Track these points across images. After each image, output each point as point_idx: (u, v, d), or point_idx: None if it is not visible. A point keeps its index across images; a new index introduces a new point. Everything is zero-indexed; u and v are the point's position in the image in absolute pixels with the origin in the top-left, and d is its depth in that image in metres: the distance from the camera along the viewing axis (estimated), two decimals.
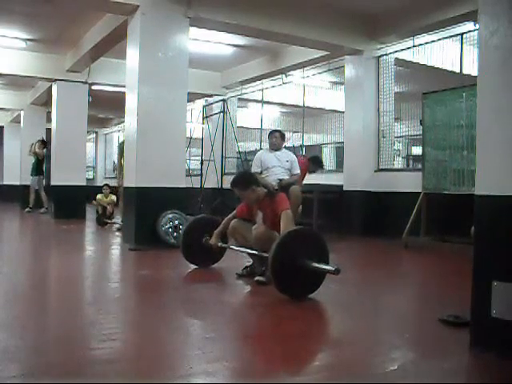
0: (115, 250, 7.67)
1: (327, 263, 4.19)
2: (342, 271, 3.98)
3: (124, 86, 8.06)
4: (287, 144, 9.63)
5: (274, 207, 4.81)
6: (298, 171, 7.85)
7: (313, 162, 8.96)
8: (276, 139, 7.78)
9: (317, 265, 4.10)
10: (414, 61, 9.64)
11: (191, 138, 13.28)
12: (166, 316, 3.78)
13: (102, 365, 2.70)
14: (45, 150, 14.20)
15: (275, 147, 7.78)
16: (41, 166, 14.30)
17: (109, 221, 10.19)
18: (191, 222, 5.79)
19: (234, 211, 5.28)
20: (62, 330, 3.33)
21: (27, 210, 14.36)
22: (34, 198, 14.42)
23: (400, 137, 12.54)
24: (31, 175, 14.38)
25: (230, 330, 3.53)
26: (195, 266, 5.65)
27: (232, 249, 5.27)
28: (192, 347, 3.13)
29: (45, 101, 15.00)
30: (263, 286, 4.64)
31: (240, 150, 13.26)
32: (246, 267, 5.17)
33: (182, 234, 5.75)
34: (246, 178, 5.10)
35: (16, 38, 10.57)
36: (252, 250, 4.97)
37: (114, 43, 9.33)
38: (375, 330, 3.57)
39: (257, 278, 4.79)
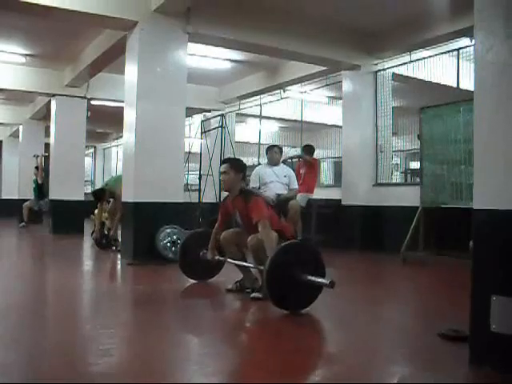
0: (113, 265, 7.65)
1: (323, 276, 4.18)
2: (340, 286, 3.98)
3: (123, 101, 8.09)
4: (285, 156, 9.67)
5: (248, 212, 4.77)
6: (296, 186, 7.87)
7: (309, 150, 9.22)
8: (275, 154, 7.81)
9: (312, 278, 4.10)
10: (412, 76, 9.69)
11: (189, 152, 13.27)
12: (164, 331, 3.76)
13: (99, 380, 2.68)
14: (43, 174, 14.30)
15: (274, 162, 7.80)
16: (42, 188, 14.33)
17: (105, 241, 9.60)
18: (188, 237, 5.79)
19: (218, 219, 5.27)
20: (59, 345, 3.31)
21: (22, 224, 14.36)
22: (27, 213, 14.45)
23: (398, 151, 12.57)
24: (35, 198, 14.57)
25: (227, 346, 3.51)
26: (193, 281, 5.64)
27: (229, 262, 5.26)
28: (190, 362, 3.11)
29: (44, 115, 15.05)
30: (259, 302, 4.62)
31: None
32: (236, 282, 5.14)
33: (180, 249, 5.75)
34: (241, 164, 5.14)
35: (15, 53, 10.65)
36: (248, 263, 5.00)
37: (112, 58, 9.38)
38: (374, 345, 3.56)
39: (253, 294, 4.76)
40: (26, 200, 15.26)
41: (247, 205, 4.81)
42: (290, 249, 4.32)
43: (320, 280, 4.09)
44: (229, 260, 5.24)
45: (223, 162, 5.20)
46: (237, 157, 13.11)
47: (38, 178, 14.37)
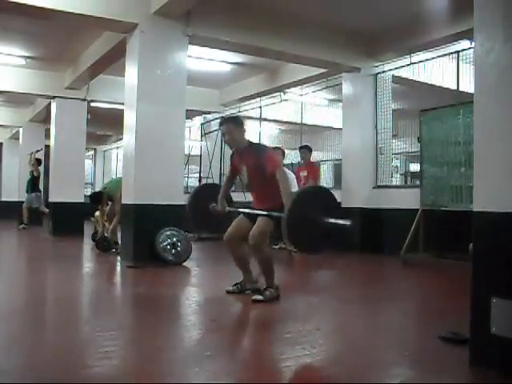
0: (113, 268, 7.65)
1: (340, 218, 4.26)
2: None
3: (123, 104, 8.09)
4: (286, 161, 9.67)
5: (262, 162, 4.71)
6: (297, 189, 7.86)
7: (309, 151, 9.29)
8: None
9: (332, 220, 4.15)
10: (412, 78, 9.69)
11: (189, 155, 13.31)
12: (164, 334, 3.76)
13: (99, 383, 2.68)
14: (40, 167, 14.26)
15: None
16: (36, 182, 14.29)
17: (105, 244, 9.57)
18: (194, 192, 5.67)
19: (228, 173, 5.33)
20: (58, 348, 3.30)
21: (22, 226, 14.30)
22: (27, 215, 14.41)
23: (398, 154, 12.57)
24: (26, 192, 14.41)
25: (228, 348, 3.51)
26: (193, 283, 5.63)
27: (240, 212, 5.19)
28: (190, 365, 3.10)
29: (44, 118, 15.07)
30: (260, 304, 4.62)
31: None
32: (236, 284, 5.13)
33: (188, 205, 5.54)
34: (239, 119, 5.14)
35: (16, 55, 10.65)
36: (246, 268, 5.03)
37: (112, 61, 9.39)
38: (374, 347, 3.55)
39: (254, 297, 4.75)
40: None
41: (260, 157, 4.76)
42: (308, 194, 4.36)
43: (340, 221, 4.13)
44: (240, 210, 5.21)
45: (220, 123, 5.12)
46: None
47: (34, 171, 14.33)
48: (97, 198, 8.94)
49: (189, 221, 5.59)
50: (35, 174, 14.31)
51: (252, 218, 4.88)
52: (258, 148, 4.97)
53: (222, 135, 5.07)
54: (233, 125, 4.93)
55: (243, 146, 4.95)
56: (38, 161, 14.42)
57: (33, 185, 14.29)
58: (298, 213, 4.13)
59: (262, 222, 4.71)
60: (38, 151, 14.63)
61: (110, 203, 8.79)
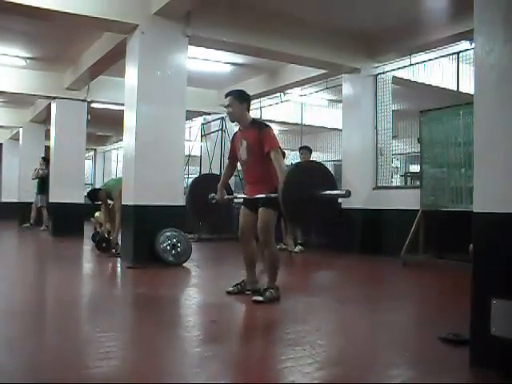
0: (113, 268, 7.64)
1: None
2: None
3: (123, 104, 8.10)
4: (286, 162, 9.67)
5: (261, 140, 4.73)
6: None
7: (309, 152, 9.34)
8: None
9: (327, 192, 4.15)
10: (412, 79, 9.70)
11: (189, 155, 13.30)
12: (164, 335, 3.75)
13: (99, 383, 2.68)
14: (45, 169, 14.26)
15: None
16: (44, 184, 14.28)
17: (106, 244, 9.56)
18: (193, 183, 5.66)
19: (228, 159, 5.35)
20: (59, 349, 3.31)
21: (26, 225, 14.32)
22: (34, 215, 14.45)
23: (398, 154, 12.56)
24: (36, 194, 14.49)
25: (228, 349, 3.50)
26: (193, 284, 5.63)
27: (239, 197, 5.25)
28: (190, 366, 3.10)
29: (44, 118, 15.07)
30: (261, 305, 4.62)
31: (238, 168, 13.26)
32: (237, 284, 5.14)
33: (187, 197, 5.54)
34: (244, 93, 5.06)
35: (16, 56, 10.66)
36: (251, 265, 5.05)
37: (112, 61, 9.40)
38: (374, 348, 3.55)
39: (254, 297, 4.75)
40: (25, 203, 15.29)
41: (260, 133, 4.76)
42: (301, 168, 4.36)
43: (335, 192, 4.13)
44: (238, 196, 5.26)
45: (226, 95, 5.06)
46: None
47: (40, 170, 14.32)
48: (95, 195, 8.91)
49: (188, 212, 5.58)
50: (42, 173, 14.27)
51: (252, 208, 4.89)
52: (260, 124, 4.95)
53: (225, 106, 5.05)
54: (235, 98, 4.92)
55: (246, 122, 4.94)
56: (46, 160, 14.30)
57: (42, 187, 14.28)
58: (292, 188, 4.12)
59: (264, 213, 4.73)
60: (42, 158, 14.63)
61: (110, 204, 8.79)
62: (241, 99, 4.93)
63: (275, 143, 4.73)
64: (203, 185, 5.51)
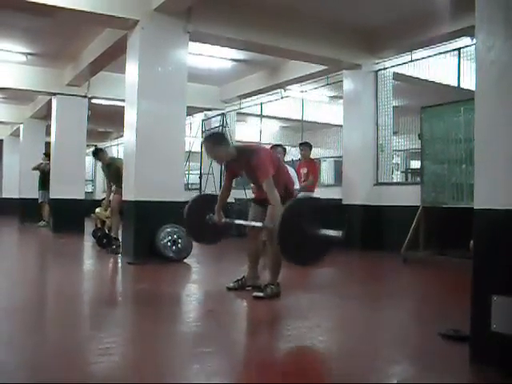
0: (113, 264, 7.65)
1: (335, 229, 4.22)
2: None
3: (123, 100, 8.09)
4: (286, 158, 9.66)
5: (253, 168, 4.69)
6: (298, 185, 7.85)
7: (309, 148, 9.13)
8: (279, 154, 7.79)
9: (323, 231, 4.12)
10: (412, 75, 9.69)
11: (190, 151, 13.30)
12: (164, 330, 3.76)
13: (100, 379, 2.68)
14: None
15: None
16: (46, 180, 14.21)
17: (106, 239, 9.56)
18: (191, 203, 5.62)
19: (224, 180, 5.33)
20: (59, 345, 3.31)
21: (43, 224, 14.14)
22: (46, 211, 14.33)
23: (398, 151, 12.56)
24: (38, 190, 14.44)
25: (229, 345, 3.51)
26: (194, 280, 5.64)
27: (237, 223, 5.26)
28: (190, 361, 3.10)
29: (44, 114, 15.05)
30: (261, 301, 4.62)
31: None
32: (237, 280, 5.15)
33: (185, 216, 5.52)
34: (217, 135, 5.14)
35: (16, 52, 10.64)
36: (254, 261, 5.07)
37: (113, 57, 9.38)
38: (374, 344, 3.55)
39: (255, 293, 4.76)
40: (26, 199, 15.28)
41: (252, 162, 4.70)
42: (299, 204, 4.34)
43: (331, 233, 4.10)
44: (236, 221, 5.25)
45: (204, 145, 5.07)
46: None
47: (41, 165, 14.29)
48: (98, 154, 8.81)
49: (186, 231, 5.61)
50: (45, 171, 14.22)
51: (262, 204, 4.90)
52: (248, 153, 4.82)
53: (207, 154, 5.01)
54: (212, 144, 4.85)
55: (234, 155, 4.85)
56: (48, 156, 14.21)
57: (42, 181, 14.22)
58: (288, 226, 4.10)
59: (273, 210, 4.74)
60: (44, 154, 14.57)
61: (112, 198, 8.76)
62: (219, 141, 4.84)
63: (267, 172, 4.62)
64: (201, 205, 5.51)
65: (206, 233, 5.49)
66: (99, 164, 9.92)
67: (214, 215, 5.22)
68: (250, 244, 5.14)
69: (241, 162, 4.84)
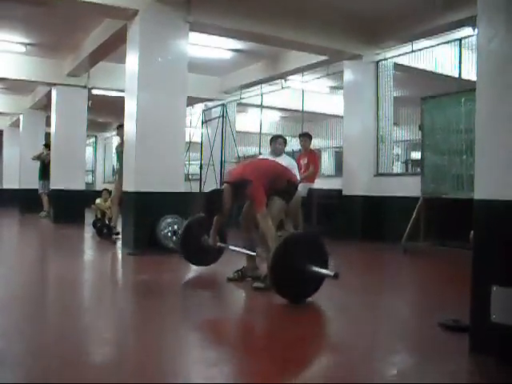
0: (114, 255, 7.67)
1: (327, 267, 4.20)
2: (341, 276, 3.99)
3: (123, 91, 8.07)
4: (287, 148, 9.65)
5: (251, 198, 4.77)
6: (298, 176, 7.85)
7: (309, 138, 9.07)
8: (279, 145, 7.78)
9: (316, 269, 4.11)
10: (413, 66, 9.65)
11: (190, 142, 13.28)
12: (165, 321, 3.77)
13: (100, 370, 2.69)
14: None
15: (278, 152, 7.77)
16: (46, 170, 14.16)
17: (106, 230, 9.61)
18: (187, 224, 5.70)
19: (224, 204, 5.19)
20: (60, 335, 3.32)
21: (44, 214, 14.08)
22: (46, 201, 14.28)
23: (399, 141, 12.55)
24: (39, 180, 14.40)
25: (229, 336, 3.52)
26: (194, 271, 5.65)
27: (231, 249, 5.26)
28: (191, 352, 3.12)
29: (44, 105, 15.02)
30: (261, 292, 4.63)
31: (239, 154, 13.28)
32: (237, 271, 5.16)
33: (180, 236, 5.68)
34: (214, 194, 5.02)
35: (16, 42, 10.59)
36: (251, 250, 5.01)
37: (113, 48, 9.35)
38: (374, 335, 3.57)
39: (255, 284, 4.77)
40: (26, 190, 15.26)
41: (248, 191, 4.71)
42: (293, 239, 4.35)
43: (324, 271, 4.11)
44: (231, 247, 5.25)
45: (207, 202, 5.00)
46: (238, 147, 13.20)
47: (41, 155, 14.26)
48: (119, 130, 8.66)
49: (179, 250, 5.63)
50: (45, 161, 14.17)
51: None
52: (243, 183, 4.75)
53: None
54: (216, 209, 4.85)
55: (232, 200, 4.83)
56: (48, 146, 14.14)
57: (43, 171, 14.17)
58: (281, 261, 4.12)
59: (274, 202, 4.78)
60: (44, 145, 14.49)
61: (113, 189, 8.77)
62: (218, 203, 4.79)
63: (261, 205, 4.63)
64: (198, 226, 5.51)
65: (200, 254, 5.53)
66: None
67: (209, 238, 5.26)
68: (243, 231, 5.13)
69: (241, 189, 4.80)
